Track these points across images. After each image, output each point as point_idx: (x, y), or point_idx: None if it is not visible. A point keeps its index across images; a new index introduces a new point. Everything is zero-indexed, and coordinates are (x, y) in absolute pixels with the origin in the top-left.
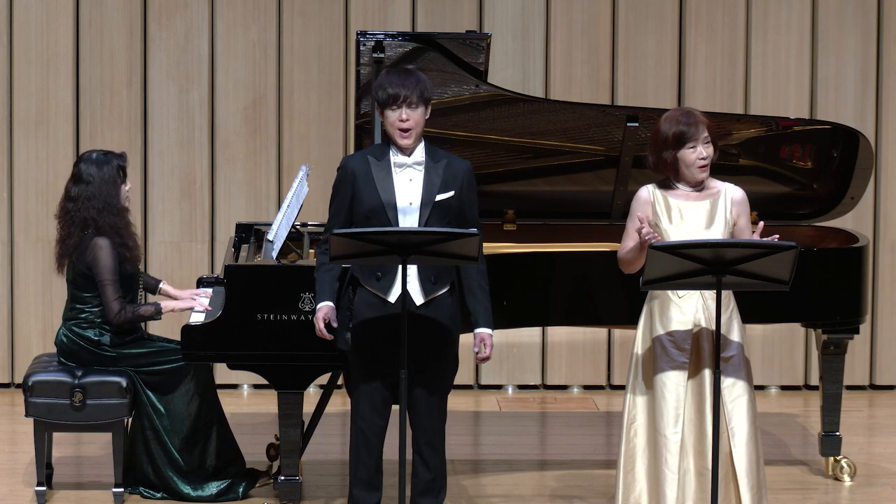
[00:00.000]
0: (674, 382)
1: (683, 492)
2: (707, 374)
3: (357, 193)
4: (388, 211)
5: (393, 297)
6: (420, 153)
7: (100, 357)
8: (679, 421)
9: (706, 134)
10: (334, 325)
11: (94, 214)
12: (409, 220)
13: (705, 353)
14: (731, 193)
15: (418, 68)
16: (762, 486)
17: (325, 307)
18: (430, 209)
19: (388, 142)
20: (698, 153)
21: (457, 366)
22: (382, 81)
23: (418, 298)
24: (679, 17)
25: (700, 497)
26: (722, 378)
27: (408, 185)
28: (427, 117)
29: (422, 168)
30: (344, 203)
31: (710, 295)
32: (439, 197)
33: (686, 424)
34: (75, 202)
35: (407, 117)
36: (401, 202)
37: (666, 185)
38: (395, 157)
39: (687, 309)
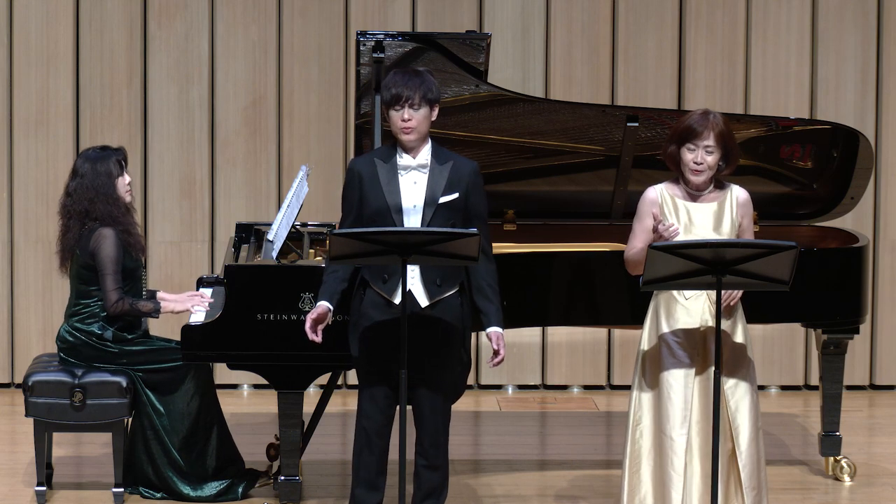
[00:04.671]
0: (680, 384)
1: (689, 494)
2: (713, 374)
3: (363, 195)
4: (392, 214)
5: (397, 299)
6: (426, 155)
7: (101, 352)
8: (685, 422)
9: (710, 142)
10: (328, 323)
11: (87, 205)
12: (412, 221)
13: (712, 353)
14: (736, 195)
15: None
16: (763, 487)
17: (319, 307)
18: (433, 210)
19: (395, 143)
20: (694, 156)
21: (468, 367)
22: (388, 81)
23: (422, 300)
24: (679, 17)
25: (706, 499)
26: (726, 378)
27: (412, 187)
28: (433, 118)
29: (426, 171)
30: (353, 205)
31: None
32: (443, 199)
33: (692, 426)
34: (71, 196)
35: (409, 117)
36: (405, 204)
37: (675, 185)
38: (401, 160)
39: (694, 310)
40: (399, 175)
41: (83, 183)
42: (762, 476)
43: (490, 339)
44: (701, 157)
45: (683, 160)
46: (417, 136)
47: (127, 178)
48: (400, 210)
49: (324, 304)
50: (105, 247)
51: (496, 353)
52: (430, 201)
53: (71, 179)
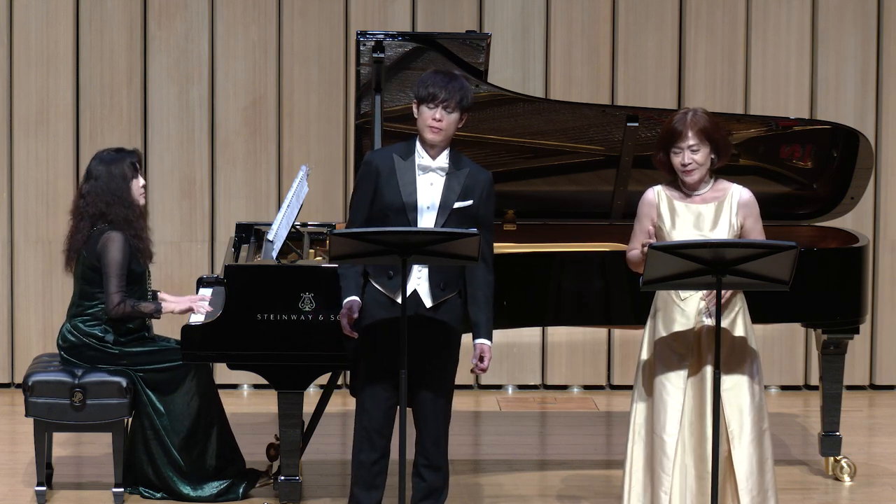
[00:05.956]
0: (673, 384)
1: (684, 496)
2: (708, 373)
3: (379, 190)
4: (408, 212)
5: (401, 298)
6: (444, 159)
7: (102, 353)
8: (676, 423)
9: (692, 141)
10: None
11: (104, 208)
12: (426, 220)
13: (707, 353)
14: (737, 196)
15: (418, 68)
16: (767, 490)
17: (350, 302)
18: (447, 214)
19: (415, 142)
20: (681, 158)
21: (457, 364)
22: (426, 79)
23: (427, 301)
24: (679, 17)
25: (700, 500)
26: (724, 378)
27: (428, 188)
28: (460, 126)
29: (444, 174)
30: (365, 198)
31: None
32: (457, 204)
33: (686, 427)
34: (85, 198)
35: (440, 118)
36: (421, 203)
37: (673, 186)
38: (420, 160)
39: (689, 310)
40: (417, 174)
41: (98, 185)
42: (767, 479)
43: (475, 349)
44: (688, 157)
45: (673, 164)
46: (443, 137)
47: (141, 181)
48: (415, 208)
49: (355, 301)
50: (112, 250)
51: (480, 360)
52: (444, 205)
53: (85, 181)
